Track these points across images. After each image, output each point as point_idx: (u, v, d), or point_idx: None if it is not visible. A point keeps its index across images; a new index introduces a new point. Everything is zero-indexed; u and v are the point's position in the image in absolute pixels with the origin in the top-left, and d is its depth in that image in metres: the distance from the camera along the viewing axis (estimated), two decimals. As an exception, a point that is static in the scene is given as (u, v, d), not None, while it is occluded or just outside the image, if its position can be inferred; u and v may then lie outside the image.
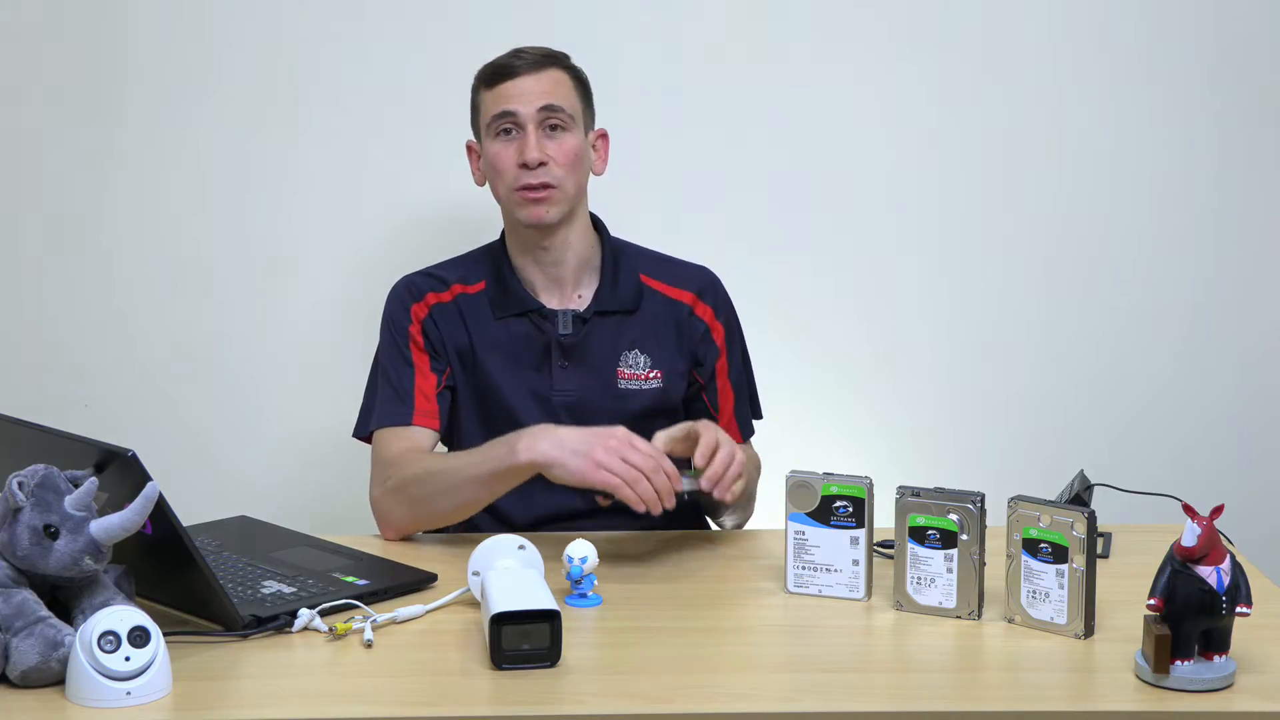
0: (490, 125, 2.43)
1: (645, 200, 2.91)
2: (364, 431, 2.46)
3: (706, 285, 2.54)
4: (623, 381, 2.48)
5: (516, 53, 2.45)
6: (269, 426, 3.15)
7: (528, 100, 2.41)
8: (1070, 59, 3.12)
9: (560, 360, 2.46)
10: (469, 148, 2.53)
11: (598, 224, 2.53)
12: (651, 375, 2.49)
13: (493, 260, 2.51)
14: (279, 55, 3.07)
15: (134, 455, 1.83)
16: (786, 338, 3.06)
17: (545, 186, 2.40)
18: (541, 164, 2.39)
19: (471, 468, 2.27)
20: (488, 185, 2.49)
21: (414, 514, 2.32)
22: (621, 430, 2.18)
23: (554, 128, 2.42)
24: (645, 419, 2.50)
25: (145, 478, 1.80)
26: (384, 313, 2.50)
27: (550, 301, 2.48)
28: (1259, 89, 3.13)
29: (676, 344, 2.51)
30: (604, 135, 2.53)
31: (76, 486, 1.81)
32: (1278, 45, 3.12)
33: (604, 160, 2.53)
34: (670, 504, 2.15)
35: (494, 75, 2.44)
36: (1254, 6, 3.11)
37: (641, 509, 2.14)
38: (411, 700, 1.79)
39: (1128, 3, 3.11)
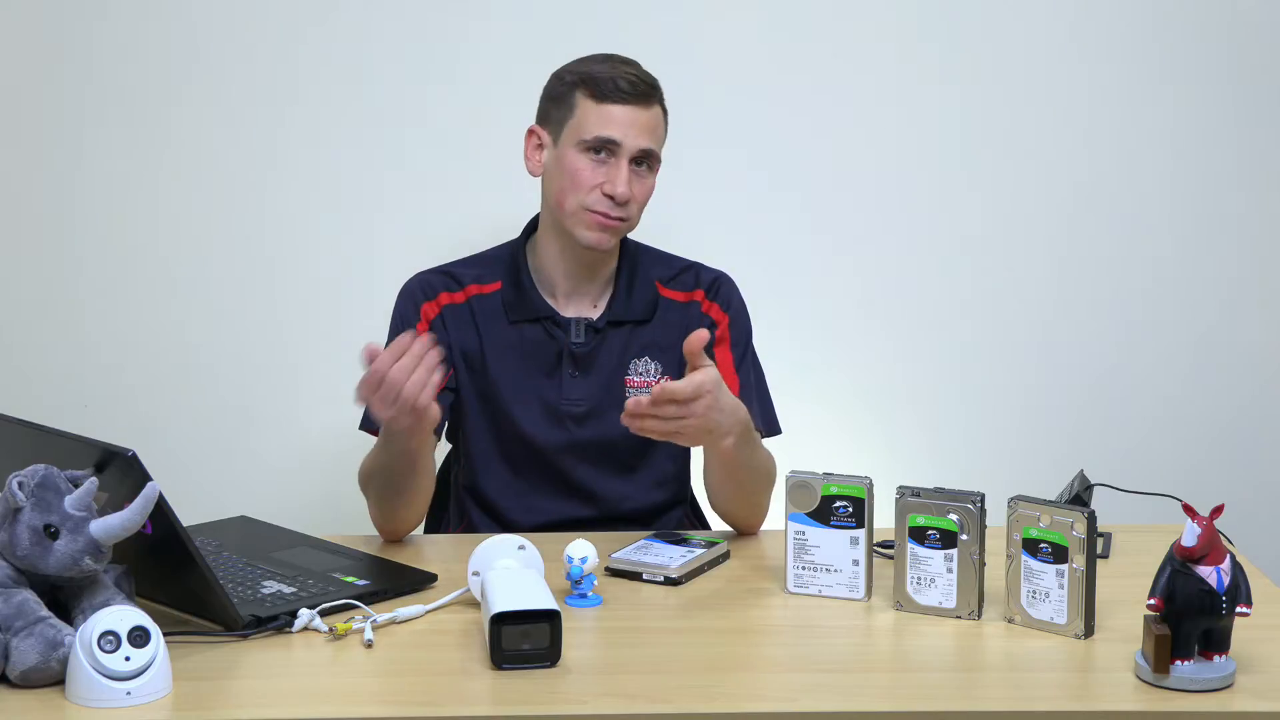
0: (585, 140, 2.38)
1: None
2: (368, 426, 2.46)
3: (714, 283, 2.53)
4: (631, 390, 2.47)
5: (624, 73, 2.39)
6: (269, 426, 3.15)
7: (633, 134, 2.38)
8: (1083, 60, 3.13)
9: (571, 369, 2.45)
10: (530, 132, 2.46)
11: None
12: (660, 381, 2.48)
13: (511, 261, 2.49)
14: (281, 53, 3.07)
15: (134, 455, 1.83)
16: (786, 337, 3.05)
17: (620, 220, 2.39)
18: (627, 200, 2.38)
19: (384, 457, 2.28)
20: (539, 179, 2.46)
21: (383, 512, 2.33)
22: (366, 369, 2.11)
23: (641, 164, 2.40)
24: None
25: (145, 478, 1.80)
26: (394, 307, 2.49)
27: (565, 309, 2.47)
28: (1277, 90, 3.13)
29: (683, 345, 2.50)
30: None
31: (76, 486, 1.81)
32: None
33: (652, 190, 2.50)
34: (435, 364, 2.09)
35: (602, 91, 2.38)
36: (1260, 3, 3.11)
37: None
38: (411, 700, 1.79)
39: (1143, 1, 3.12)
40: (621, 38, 2.80)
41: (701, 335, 2.14)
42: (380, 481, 2.31)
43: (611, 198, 2.37)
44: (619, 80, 2.38)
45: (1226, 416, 3.22)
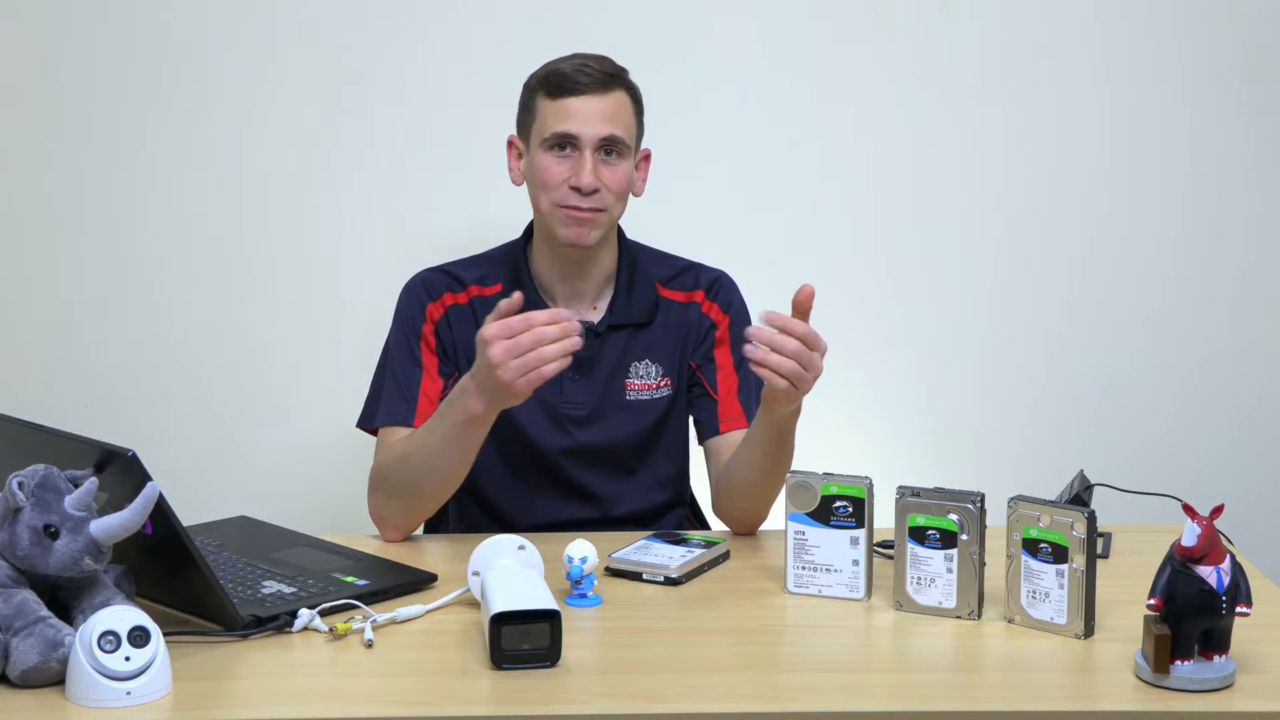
0: (546, 139, 2.38)
1: (650, 196, 2.90)
2: (368, 424, 2.46)
3: (714, 283, 2.53)
4: (630, 393, 2.47)
5: (581, 66, 2.38)
6: (269, 426, 3.15)
7: (590, 124, 2.36)
8: (1090, 64, 3.13)
9: (571, 373, 2.44)
10: (510, 143, 2.48)
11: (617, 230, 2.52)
12: (662, 384, 2.49)
13: (512, 263, 2.49)
14: (277, 54, 3.07)
15: (134, 455, 1.83)
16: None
17: (593, 211, 2.38)
18: (594, 190, 2.37)
19: (439, 438, 2.25)
20: (524, 186, 2.46)
21: (403, 506, 2.32)
22: (483, 346, 2.11)
23: (610, 152, 2.39)
24: (656, 429, 2.50)
25: (145, 478, 1.80)
26: (398, 306, 2.49)
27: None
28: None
29: (684, 346, 2.51)
30: (647, 157, 2.49)
31: (76, 486, 1.81)
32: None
33: (644, 181, 2.50)
34: (576, 339, 2.10)
35: (557, 87, 2.38)
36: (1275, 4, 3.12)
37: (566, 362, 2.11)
38: (411, 700, 1.79)
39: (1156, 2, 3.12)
40: (622, 39, 2.81)
41: (809, 291, 2.14)
42: (418, 471, 2.29)
43: (578, 189, 2.36)
44: (572, 73, 2.38)
45: (1227, 417, 3.22)
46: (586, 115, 2.37)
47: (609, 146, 2.38)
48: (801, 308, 2.14)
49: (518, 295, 2.13)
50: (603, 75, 2.39)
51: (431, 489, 2.32)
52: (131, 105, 3.07)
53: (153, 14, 3.05)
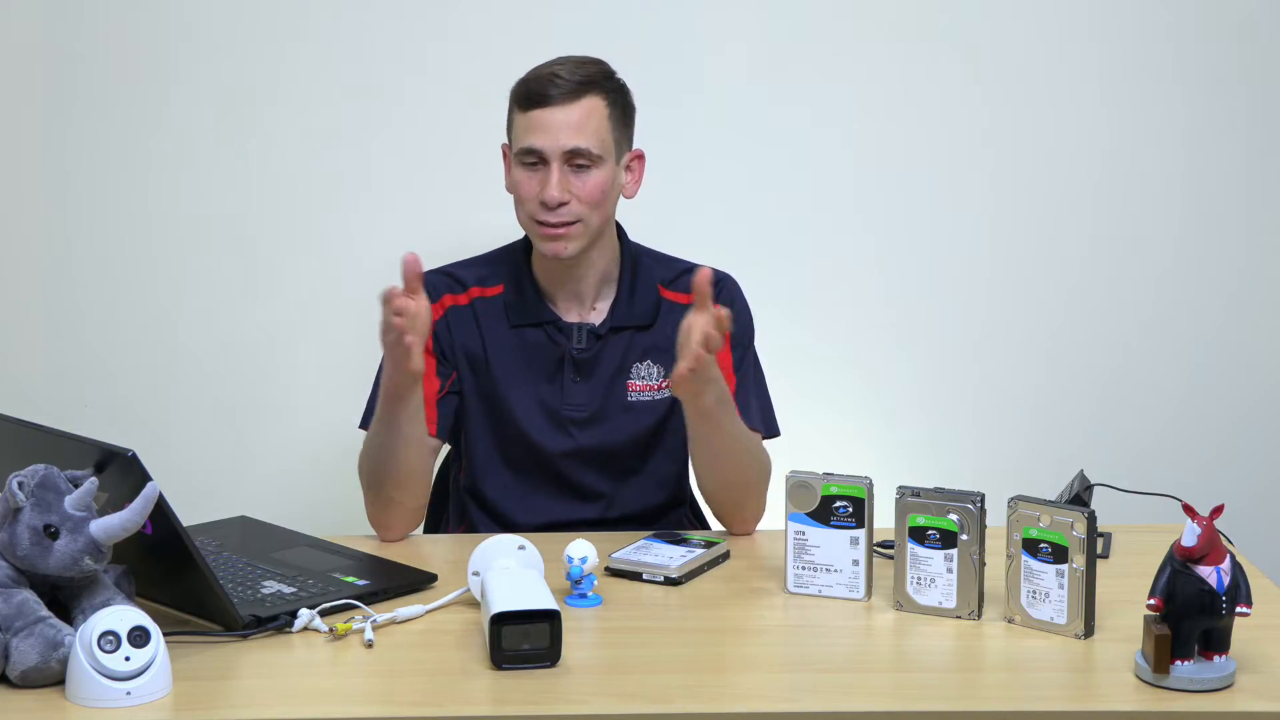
0: (516, 153, 2.38)
1: (650, 199, 2.91)
2: (368, 424, 2.46)
3: (717, 285, 2.52)
4: (632, 394, 2.47)
5: (554, 74, 2.36)
6: (269, 427, 3.15)
7: (555, 137, 2.34)
8: (1090, 61, 3.12)
9: (573, 374, 2.45)
10: (504, 151, 2.47)
11: (618, 230, 2.51)
12: (663, 385, 2.48)
13: (513, 264, 2.49)
14: (277, 51, 3.06)
15: (134, 455, 1.83)
16: (786, 337, 3.06)
17: (564, 224, 2.36)
18: (563, 203, 2.36)
19: (377, 420, 2.31)
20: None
21: (374, 499, 2.34)
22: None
23: (580, 166, 2.37)
24: (658, 429, 2.49)
25: (145, 478, 1.80)
26: None
27: (567, 314, 2.47)
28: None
29: None
30: (640, 156, 2.47)
31: (76, 486, 1.81)
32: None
33: (637, 182, 2.48)
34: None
35: (528, 98, 2.37)
36: (1269, 4, 3.11)
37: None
38: (411, 700, 1.79)
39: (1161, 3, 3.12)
40: (622, 36, 2.81)
41: (706, 274, 2.15)
42: (372, 459, 2.32)
43: (545, 204, 2.36)
44: (541, 84, 2.36)
45: (1227, 417, 3.22)
46: (551, 128, 2.35)
47: (581, 158, 2.36)
48: (701, 290, 2.17)
49: (410, 256, 2.15)
50: (571, 85, 2.36)
51: (387, 475, 2.32)
52: (133, 106, 3.07)
53: (152, 13, 3.05)
